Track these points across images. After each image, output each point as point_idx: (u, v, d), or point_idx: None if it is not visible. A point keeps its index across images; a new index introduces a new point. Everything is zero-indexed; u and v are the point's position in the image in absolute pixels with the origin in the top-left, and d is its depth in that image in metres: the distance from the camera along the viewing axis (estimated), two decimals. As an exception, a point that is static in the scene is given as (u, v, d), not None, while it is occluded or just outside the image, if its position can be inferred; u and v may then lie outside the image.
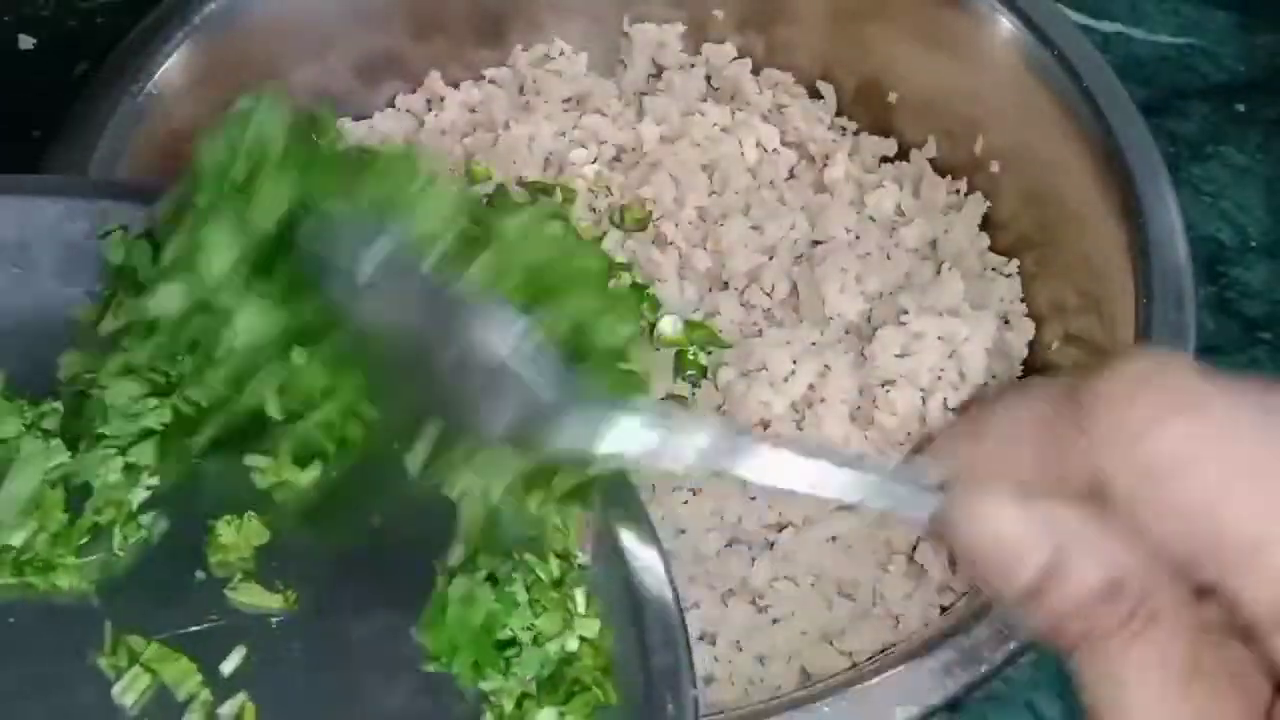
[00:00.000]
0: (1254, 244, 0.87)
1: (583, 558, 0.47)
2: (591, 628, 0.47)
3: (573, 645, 0.46)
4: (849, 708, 0.57)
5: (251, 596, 0.48)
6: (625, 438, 0.40)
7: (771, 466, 0.40)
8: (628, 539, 0.47)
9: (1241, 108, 0.92)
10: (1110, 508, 0.34)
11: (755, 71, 0.86)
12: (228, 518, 0.49)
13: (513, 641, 0.46)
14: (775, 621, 0.68)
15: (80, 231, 0.52)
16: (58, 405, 0.50)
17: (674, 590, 0.47)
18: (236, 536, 0.48)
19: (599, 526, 0.47)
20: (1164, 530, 0.34)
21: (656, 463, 0.41)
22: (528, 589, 0.46)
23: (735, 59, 0.86)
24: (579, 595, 0.47)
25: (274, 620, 0.47)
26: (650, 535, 0.47)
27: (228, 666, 0.47)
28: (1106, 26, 0.95)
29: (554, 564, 0.47)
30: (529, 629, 0.46)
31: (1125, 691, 0.34)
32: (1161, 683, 0.34)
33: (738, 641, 0.67)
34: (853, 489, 0.40)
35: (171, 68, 0.73)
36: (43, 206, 0.52)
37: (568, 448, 0.41)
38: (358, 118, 0.84)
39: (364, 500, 0.47)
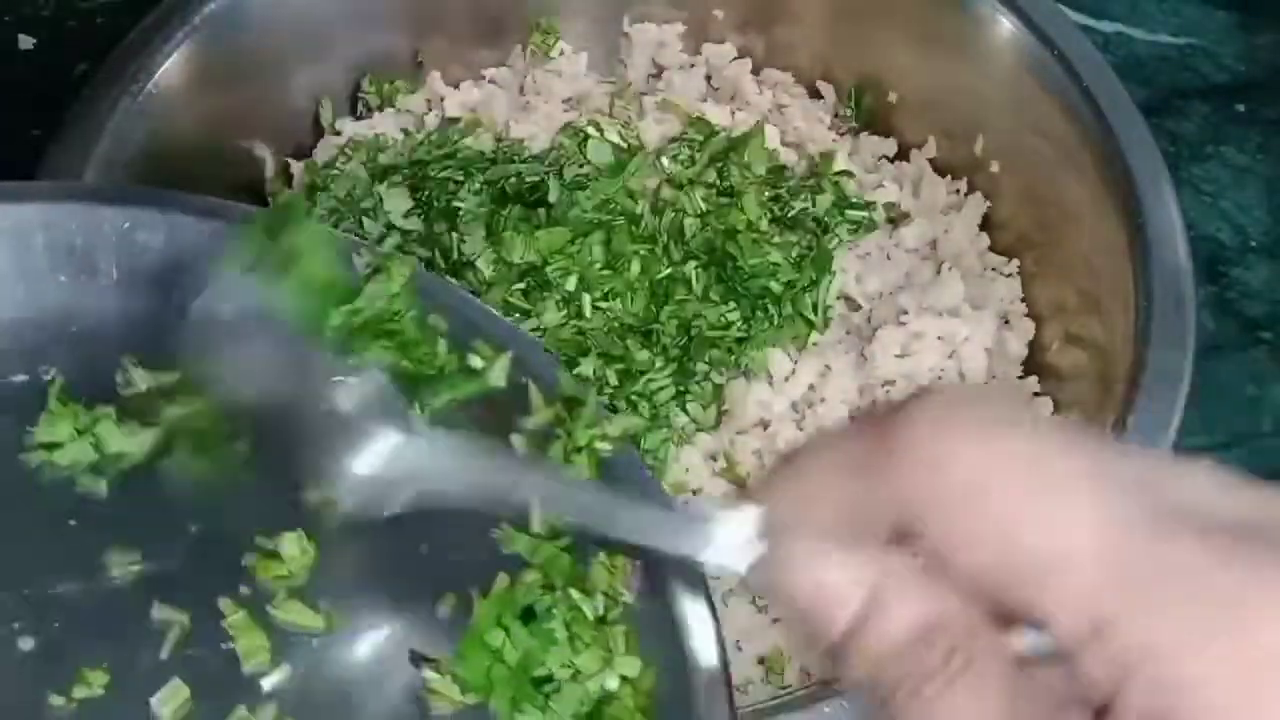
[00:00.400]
0: (1254, 244, 0.87)
1: (627, 596, 0.47)
2: (633, 667, 0.45)
3: (613, 684, 0.45)
4: (849, 708, 0.57)
5: (294, 615, 0.47)
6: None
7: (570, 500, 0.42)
8: (676, 582, 0.47)
9: (1241, 108, 0.92)
10: (920, 545, 0.34)
11: (755, 71, 0.86)
12: (278, 533, 0.48)
13: (550, 678, 0.45)
14: (775, 621, 0.68)
15: (147, 242, 0.52)
16: (110, 411, 0.49)
17: (720, 641, 0.47)
18: (289, 553, 0.47)
19: (646, 566, 0.46)
20: (968, 562, 0.33)
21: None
22: (568, 625, 0.45)
23: (735, 59, 0.86)
24: (620, 634, 0.46)
25: (314, 640, 0.47)
26: (699, 580, 0.46)
27: (268, 683, 0.46)
28: (1106, 26, 0.95)
29: (599, 599, 0.46)
30: (567, 666, 0.45)
31: None
32: None
33: (738, 641, 0.67)
34: (667, 538, 0.40)
35: (171, 68, 0.73)
36: (109, 215, 0.52)
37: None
38: (358, 118, 0.84)
39: (412, 529, 0.47)
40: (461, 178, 0.76)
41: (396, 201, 0.76)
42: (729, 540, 0.38)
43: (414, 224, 0.75)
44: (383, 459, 0.44)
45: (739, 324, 0.74)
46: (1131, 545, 0.32)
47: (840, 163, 0.81)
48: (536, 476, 0.45)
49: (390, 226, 0.74)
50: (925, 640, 0.34)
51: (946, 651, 0.33)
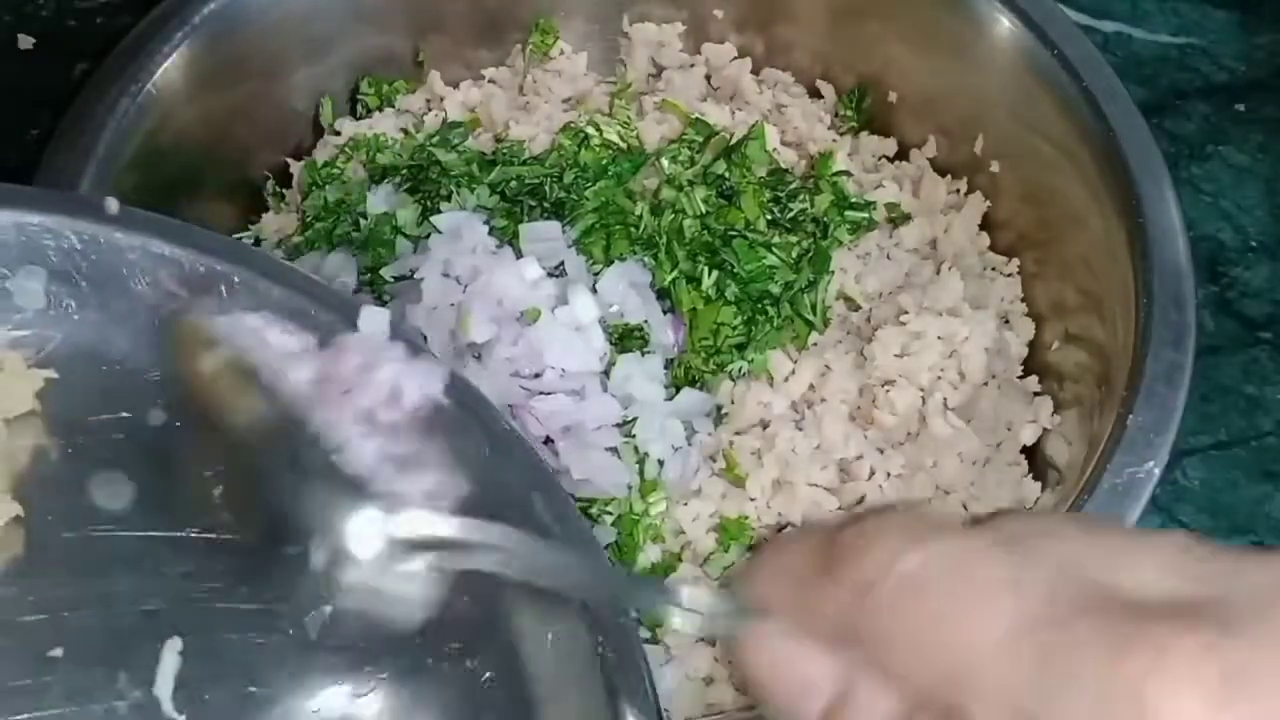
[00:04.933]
0: (1254, 244, 0.87)
1: None
2: None
3: None
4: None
5: None
6: None
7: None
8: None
9: (1241, 107, 0.92)
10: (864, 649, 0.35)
11: (755, 71, 0.86)
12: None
13: None
14: (775, 621, 0.68)
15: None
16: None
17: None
18: None
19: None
20: (900, 663, 0.34)
21: None
22: None
23: (735, 59, 0.86)
24: None
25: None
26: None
27: None
28: (1106, 26, 0.95)
29: None
30: None
31: None
32: None
33: (737, 641, 0.67)
34: (654, 601, 0.41)
35: (171, 68, 0.73)
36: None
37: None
38: (357, 118, 0.84)
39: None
40: (461, 178, 0.76)
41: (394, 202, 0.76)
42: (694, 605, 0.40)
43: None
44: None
45: (739, 325, 0.74)
46: (1045, 640, 0.32)
47: (839, 163, 0.81)
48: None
49: (393, 228, 0.74)
50: None
51: None
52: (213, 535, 0.48)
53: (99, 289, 0.51)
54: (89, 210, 0.51)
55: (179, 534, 0.48)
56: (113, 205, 0.51)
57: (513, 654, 0.49)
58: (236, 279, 0.51)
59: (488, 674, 0.48)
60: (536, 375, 0.68)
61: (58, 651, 0.46)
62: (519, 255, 0.71)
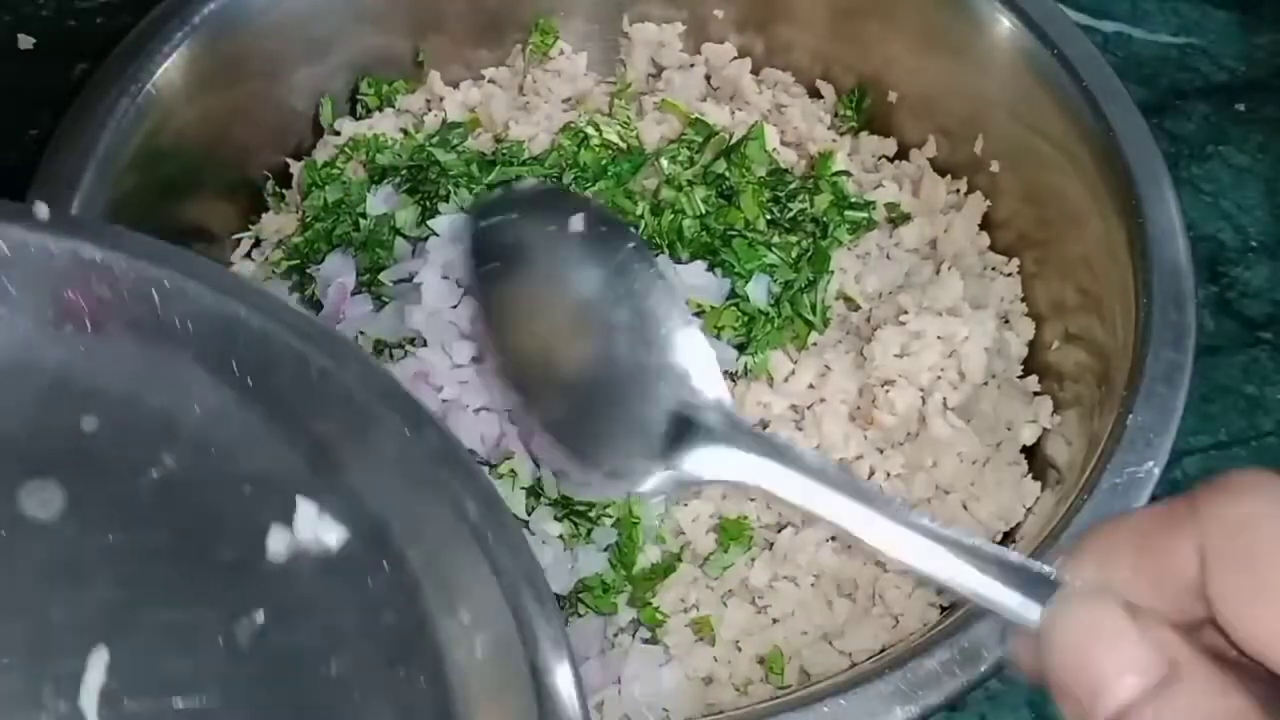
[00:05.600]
0: (1254, 244, 0.87)
1: None
2: None
3: None
4: (849, 708, 0.57)
5: None
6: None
7: (896, 542, 0.42)
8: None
9: (1241, 107, 0.92)
10: (1213, 612, 0.33)
11: (755, 71, 0.86)
12: None
13: None
14: (775, 621, 0.68)
15: None
16: None
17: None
18: None
19: None
20: (1255, 623, 0.32)
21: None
22: None
23: (735, 59, 0.86)
24: None
25: None
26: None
27: None
28: (1106, 26, 0.95)
29: None
30: None
31: None
32: None
33: (737, 642, 0.67)
34: (963, 576, 0.40)
35: (171, 68, 0.73)
36: None
37: None
38: (357, 118, 0.84)
39: None
40: (461, 178, 0.76)
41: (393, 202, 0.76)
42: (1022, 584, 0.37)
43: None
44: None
45: (738, 325, 0.74)
46: None
47: (839, 163, 0.81)
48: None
49: (392, 229, 0.74)
50: None
51: None
52: (144, 541, 0.48)
53: (30, 295, 0.50)
54: (18, 216, 0.51)
55: (108, 541, 0.47)
56: (42, 211, 0.51)
57: (440, 660, 0.48)
58: (167, 283, 0.51)
59: (420, 680, 0.48)
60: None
61: None
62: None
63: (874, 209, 0.79)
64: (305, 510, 0.47)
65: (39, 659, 0.46)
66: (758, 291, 0.74)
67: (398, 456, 0.48)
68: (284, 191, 0.82)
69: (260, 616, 0.46)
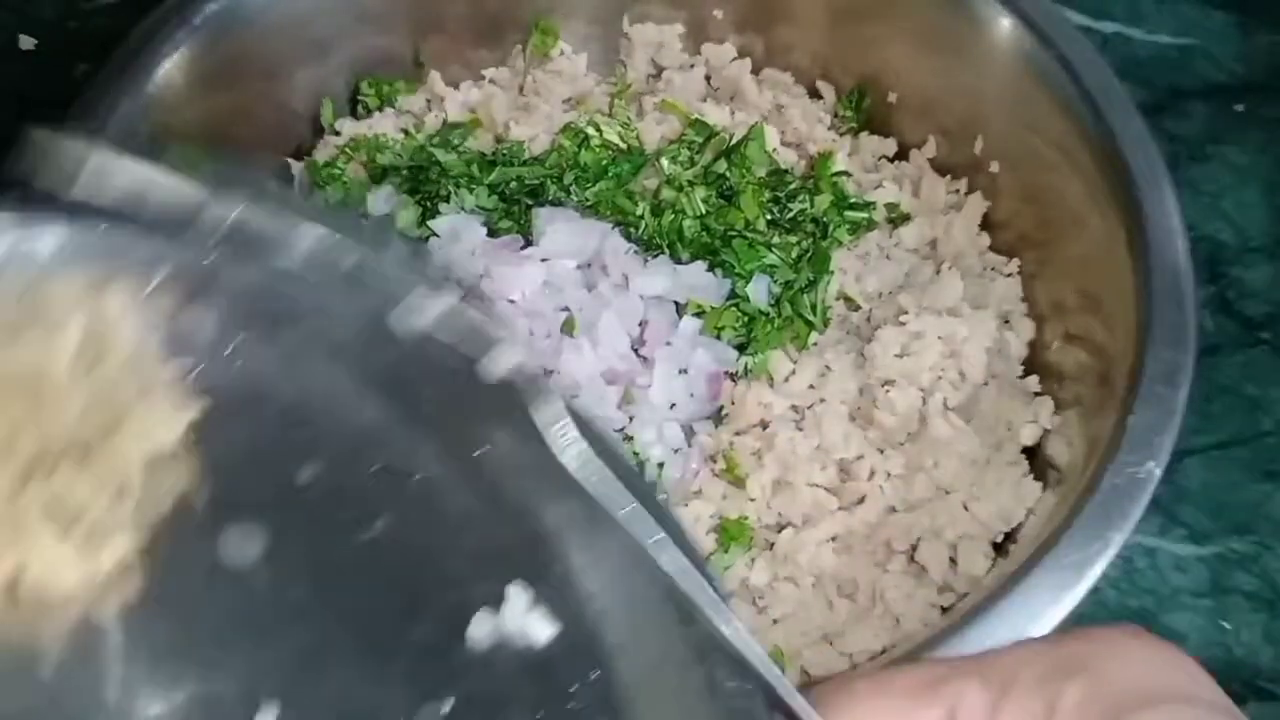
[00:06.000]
0: (1254, 244, 0.87)
1: None
2: None
3: None
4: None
5: None
6: None
7: None
8: None
9: (1241, 108, 0.92)
10: None
11: (755, 71, 0.86)
12: None
13: None
14: (775, 621, 0.68)
15: None
16: None
17: None
18: None
19: None
20: None
21: None
22: None
23: (735, 59, 0.86)
24: None
25: None
26: None
27: None
28: (1106, 26, 0.95)
29: None
30: None
31: None
32: None
33: (738, 641, 0.67)
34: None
35: (172, 68, 0.73)
36: None
37: None
38: (358, 118, 0.84)
39: None
40: (461, 179, 0.76)
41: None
42: None
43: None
44: None
45: (738, 326, 0.74)
46: None
47: (839, 163, 0.81)
48: None
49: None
50: None
51: None
52: (340, 603, 0.45)
53: (279, 325, 0.47)
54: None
55: (304, 597, 0.45)
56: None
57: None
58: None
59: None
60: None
61: (155, 710, 0.44)
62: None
63: (874, 209, 0.79)
64: (516, 599, 0.43)
65: (209, 708, 0.44)
66: (758, 292, 0.74)
67: (628, 560, 0.44)
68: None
69: (448, 706, 0.43)
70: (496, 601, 0.43)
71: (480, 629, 0.43)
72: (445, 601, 0.44)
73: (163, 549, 0.45)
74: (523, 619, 0.43)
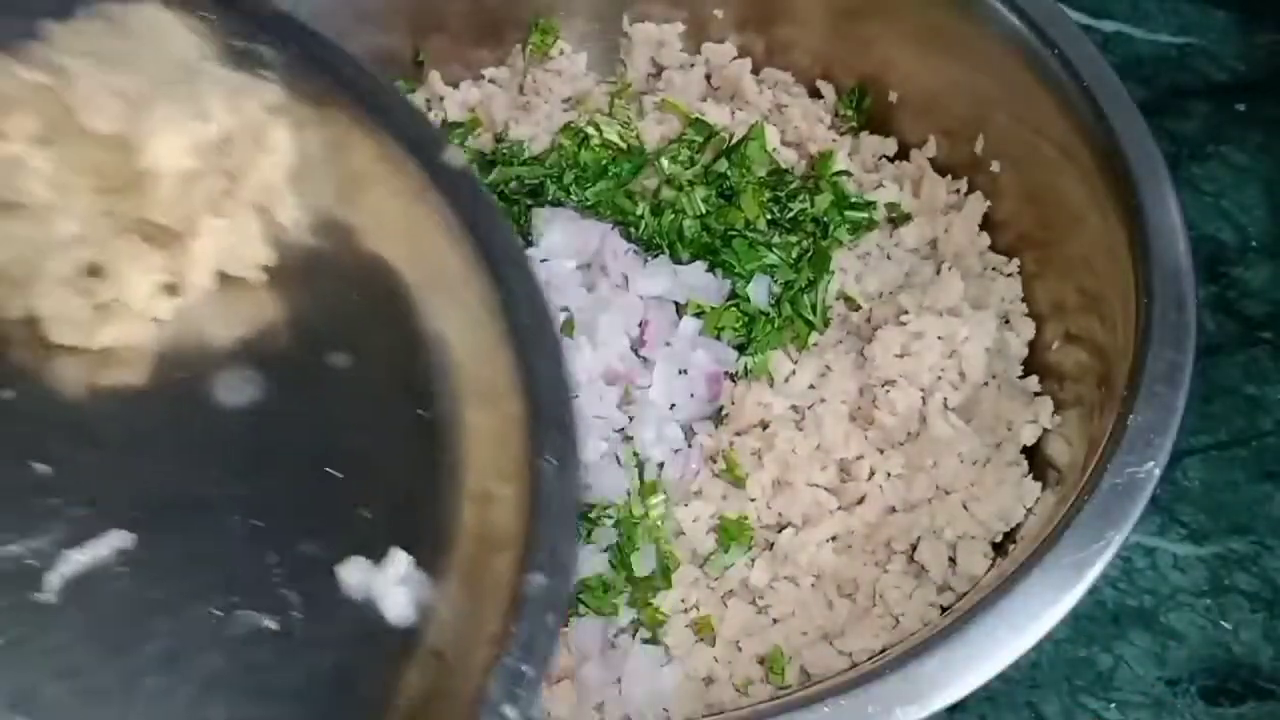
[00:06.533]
0: (1254, 244, 0.87)
1: None
2: None
3: None
4: (849, 708, 0.57)
5: None
6: None
7: None
8: None
9: (1242, 107, 0.92)
10: None
11: (755, 71, 0.86)
12: None
13: None
14: (775, 621, 0.68)
15: None
16: None
17: None
18: None
19: None
20: None
21: None
22: None
23: (735, 59, 0.86)
24: None
25: None
26: None
27: None
28: (1107, 26, 0.95)
29: None
30: None
31: None
32: None
33: (737, 642, 0.67)
34: None
35: (171, 68, 0.73)
36: None
37: None
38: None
39: None
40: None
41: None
42: None
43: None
44: None
45: (739, 326, 0.74)
46: None
47: (839, 162, 0.81)
48: None
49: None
50: None
51: None
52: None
53: None
54: None
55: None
56: None
57: None
58: None
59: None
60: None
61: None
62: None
63: (874, 209, 0.79)
64: (396, 564, 0.48)
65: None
66: (758, 292, 0.74)
67: None
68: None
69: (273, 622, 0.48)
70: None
71: (352, 574, 0.48)
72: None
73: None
74: (393, 588, 0.47)
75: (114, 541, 0.48)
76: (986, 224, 0.80)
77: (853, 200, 0.79)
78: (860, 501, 0.70)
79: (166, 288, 0.55)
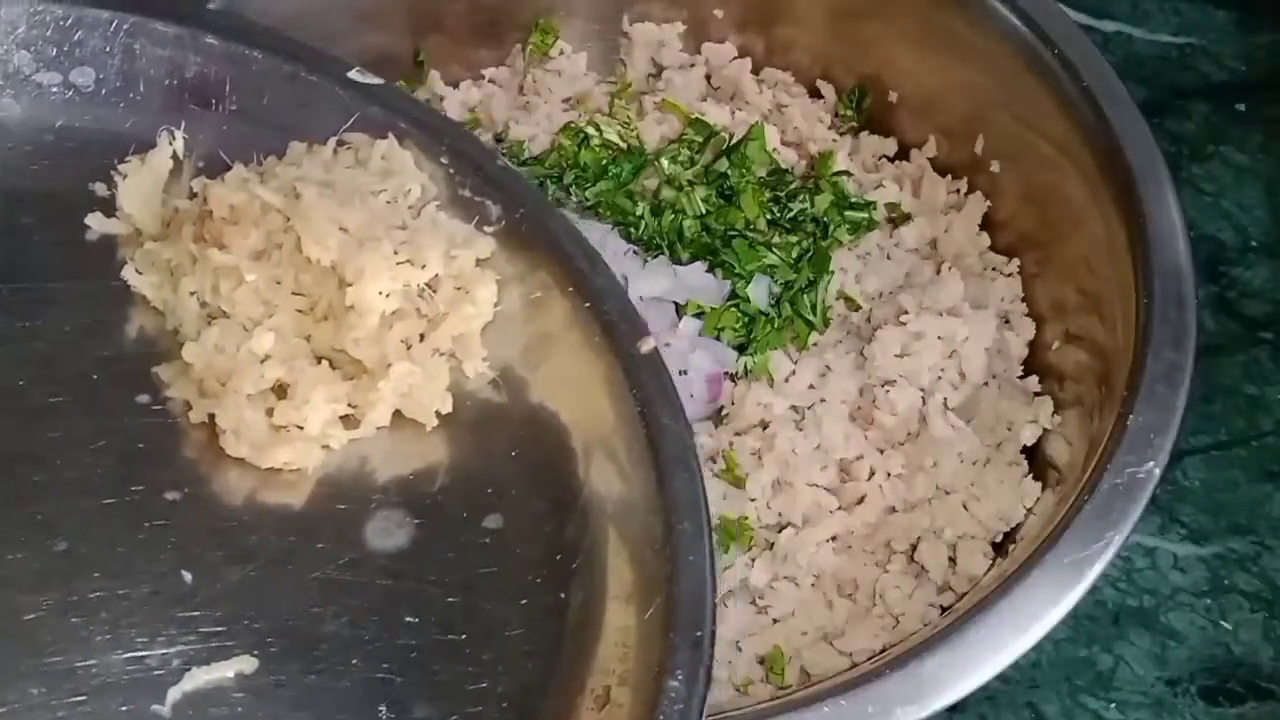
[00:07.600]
0: (1255, 244, 0.87)
1: None
2: None
3: None
4: (849, 708, 0.57)
5: None
6: None
7: None
8: None
9: (1242, 107, 0.92)
10: None
11: (755, 71, 0.86)
12: None
13: None
14: (775, 621, 0.68)
15: None
16: None
17: None
18: None
19: None
20: None
21: None
22: None
23: (735, 58, 0.86)
24: None
25: None
26: None
27: None
28: (1107, 26, 0.95)
29: None
30: None
31: None
32: None
33: (737, 642, 0.67)
34: None
35: (172, 67, 0.73)
36: None
37: None
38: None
39: None
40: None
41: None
42: None
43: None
44: None
45: (739, 326, 0.74)
46: None
47: (839, 163, 0.81)
48: None
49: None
50: None
51: None
52: None
53: None
54: None
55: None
56: None
57: None
58: None
59: None
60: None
61: None
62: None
63: (874, 209, 0.79)
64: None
65: None
66: (758, 292, 0.74)
67: None
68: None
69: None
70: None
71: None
72: None
73: None
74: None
75: (239, 665, 0.49)
76: (986, 224, 0.80)
77: (853, 200, 0.79)
78: (860, 501, 0.70)
79: (344, 419, 0.56)
